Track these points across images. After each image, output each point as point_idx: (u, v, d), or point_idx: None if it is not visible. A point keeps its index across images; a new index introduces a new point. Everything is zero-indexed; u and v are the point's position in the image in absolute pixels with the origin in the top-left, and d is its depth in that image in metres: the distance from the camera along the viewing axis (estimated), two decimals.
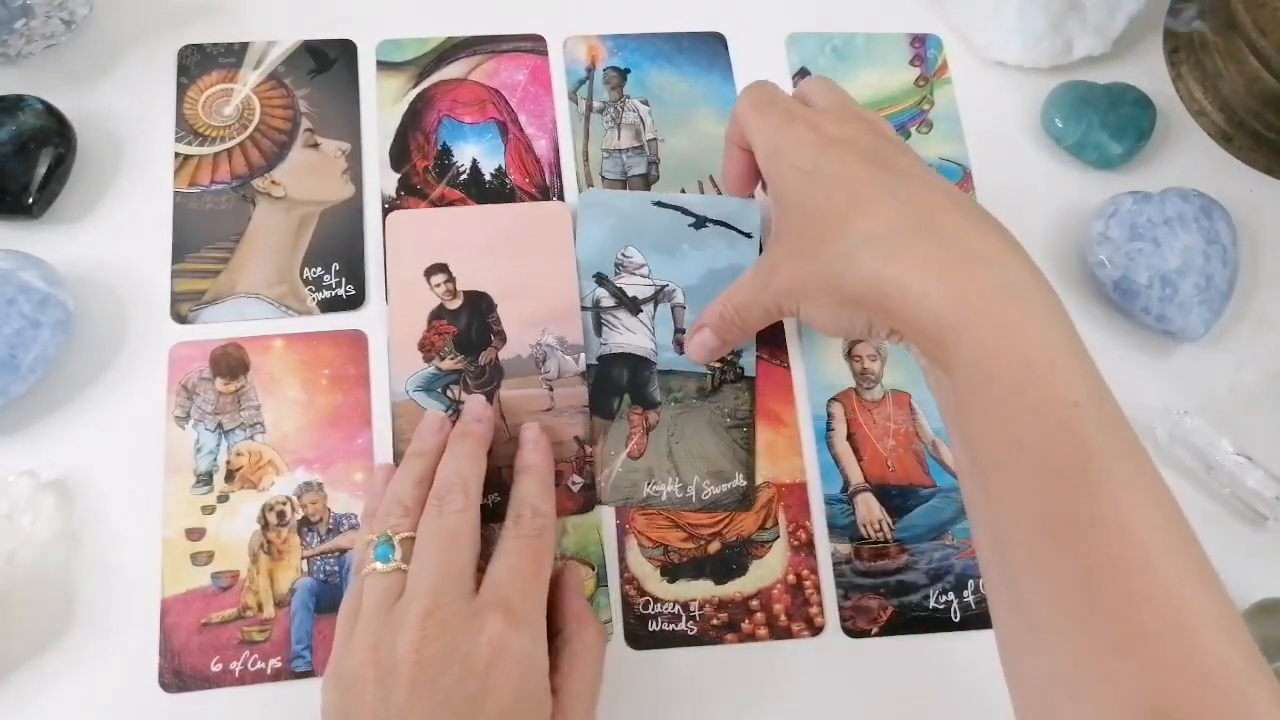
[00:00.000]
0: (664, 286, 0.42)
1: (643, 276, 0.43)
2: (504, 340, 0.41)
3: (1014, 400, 0.29)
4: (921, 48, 0.50)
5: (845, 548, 0.40)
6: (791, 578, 0.40)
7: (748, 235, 0.43)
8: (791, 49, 0.49)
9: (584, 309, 0.42)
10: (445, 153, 0.45)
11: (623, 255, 0.43)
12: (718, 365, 0.42)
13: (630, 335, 0.42)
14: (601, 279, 0.42)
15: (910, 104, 0.49)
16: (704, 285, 0.42)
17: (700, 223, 0.43)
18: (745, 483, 0.41)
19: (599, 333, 0.42)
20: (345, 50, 0.46)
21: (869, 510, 0.41)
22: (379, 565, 0.33)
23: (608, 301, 0.42)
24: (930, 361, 0.32)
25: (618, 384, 0.41)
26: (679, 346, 0.42)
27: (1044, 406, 0.28)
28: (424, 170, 0.44)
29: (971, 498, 0.32)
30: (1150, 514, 0.28)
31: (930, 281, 0.30)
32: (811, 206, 0.34)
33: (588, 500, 0.40)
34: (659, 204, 0.43)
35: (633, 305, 0.41)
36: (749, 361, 0.42)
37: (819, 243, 0.33)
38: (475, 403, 0.39)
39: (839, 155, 0.34)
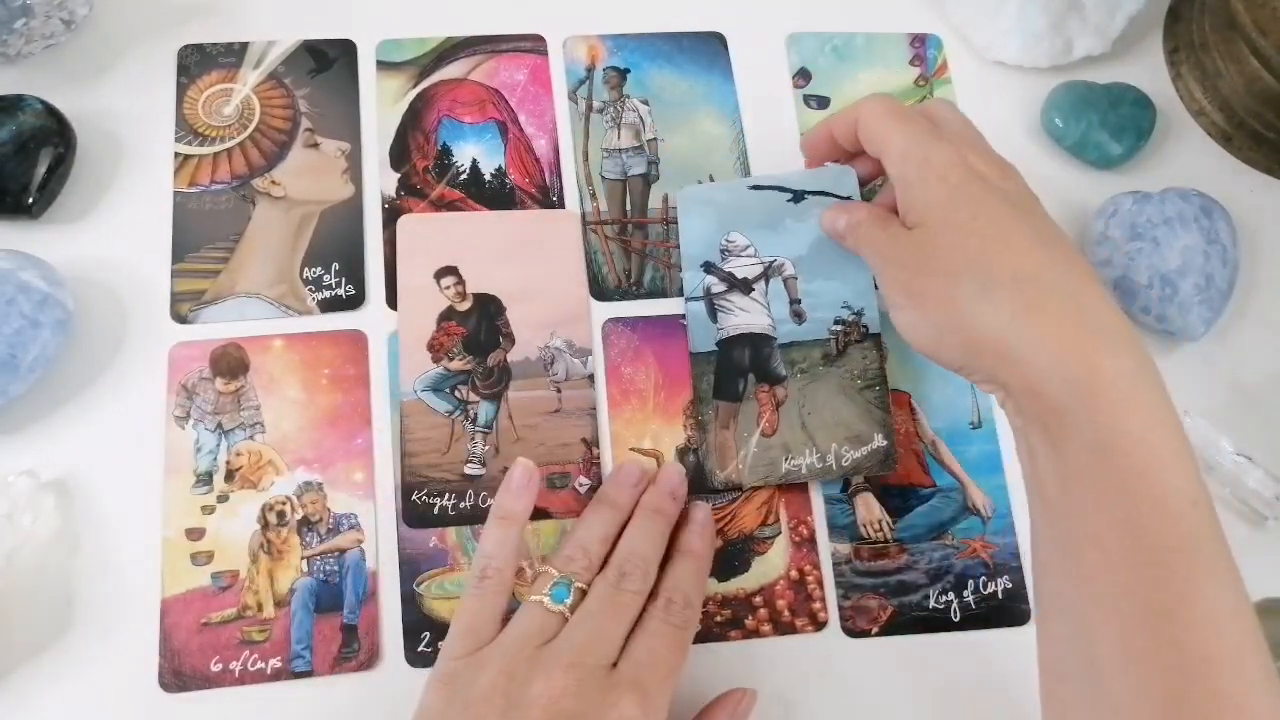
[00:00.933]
0: (772, 262, 0.42)
1: (750, 257, 0.42)
2: (512, 342, 0.42)
3: (1136, 484, 0.29)
4: (921, 47, 0.50)
5: (845, 548, 0.40)
6: (794, 573, 0.40)
7: (847, 199, 0.43)
8: (791, 49, 0.49)
9: (692, 300, 0.42)
10: (445, 152, 0.45)
11: (726, 241, 0.43)
12: (839, 328, 0.41)
13: (746, 315, 0.42)
14: (710, 267, 0.42)
15: (910, 104, 0.49)
16: (813, 254, 0.42)
17: (798, 196, 0.42)
18: (886, 443, 0.40)
19: (714, 319, 0.42)
20: (345, 50, 0.46)
21: (869, 510, 0.41)
22: (550, 602, 0.33)
23: (718, 287, 0.42)
24: (1035, 427, 0.32)
25: (740, 365, 0.41)
26: (797, 318, 0.42)
27: (1167, 497, 0.28)
28: (424, 170, 0.44)
29: (1052, 570, 0.32)
30: (1241, 621, 0.28)
31: (1066, 345, 0.30)
32: (957, 222, 0.33)
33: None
34: (755, 187, 0.43)
35: (744, 286, 0.41)
36: (873, 318, 0.41)
37: (958, 263, 0.33)
38: (675, 474, 0.39)
39: (984, 189, 0.33)
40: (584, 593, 0.34)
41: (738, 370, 0.41)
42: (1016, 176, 0.36)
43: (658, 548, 0.36)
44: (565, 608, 0.33)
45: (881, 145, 0.36)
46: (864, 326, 0.41)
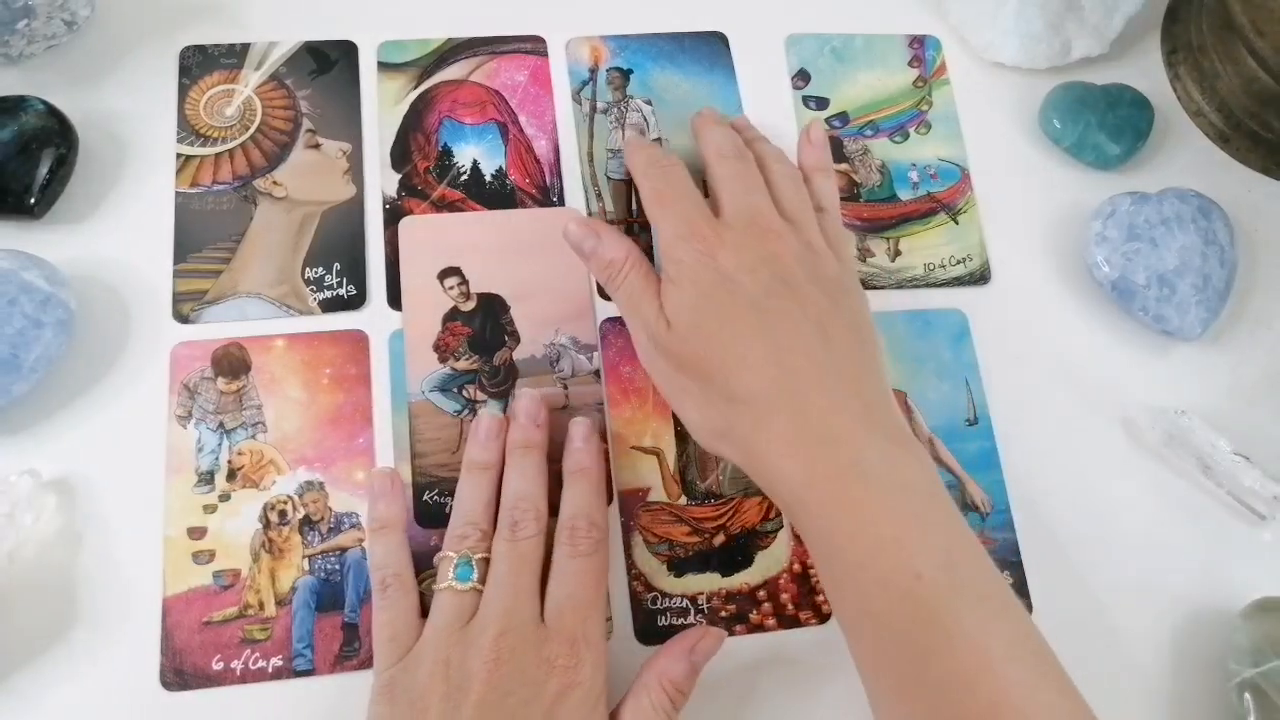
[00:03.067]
0: None
1: None
2: (518, 341, 0.42)
3: (859, 573, 0.31)
4: (920, 49, 0.50)
5: None
6: (797, 567, 0.40)
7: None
8: (790, 50, 0.49)
9: None
10: (446, 153, 0.45)
11: None
12: None
13: None
14: None
15: (909, 105, 0.49)
16: None
17: None
18: None
19: None
20: (346, 51, 0.46)
21: None
22: (457, 584, 0.34)
23: None
24: (794, 528, 0.35)
25: None
26: None
27: (888, 579, 0.31)
28: (425, 171, 0.44)
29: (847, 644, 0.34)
30: (1004, 670, 0.29)
31: (785, 458, 0.33)
32: (706, 331, 0.35)
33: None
34: None
35: None
36: None
37: (705, 372, 0.35)
38: (530, 402, 0.39)
39: (731, 297, 0.35)
40: (487, 561, 0.35)
41: None
42: (777, 255, 0.36)
43: (539, 481, 0.37)
44: (474, 583, 0.34)
45: (653, 229, 0.39)
46: None
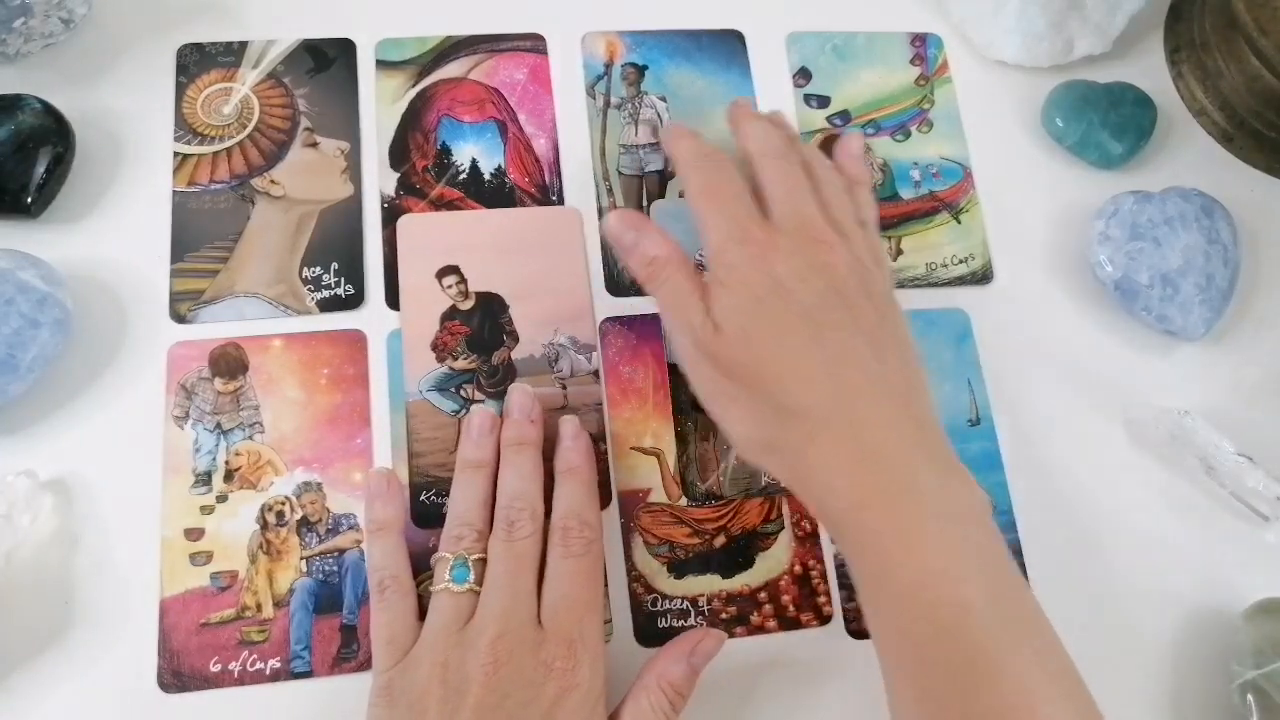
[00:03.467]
0: None
1: None
2: (516, 340, 0.42)
3: (906, 600, 0.31)
4: (922, 47, 0.50)
5: None
6: (798, 568, 0.40)
7: None
8: (791, 48, 0.49)
9: None
10: (445, 152, 0.45)
11: (701, 255, 0.42)
12: None
13: None
14: None
15: (910, 103, 0.49)
16: None
17: None
18: None
19: None
20: (344, 49, 0.46)
21: None
22: (454, 586, 0.34)
23: None
24: (837, 546, 0.34)
25: None
26: None
27: (934, 610, 0.30)
28: (423, 169, 0.44)
29: (881, 668, 0.34)
30: (1046, 711, 0.29)
31: (837, 475, 0.32)
32: (759, 339, 0.34)
33: (601, 496, 0.39)
34: None
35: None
36: None
37: (756, 380, 0.34)
38: (522, 396, 0.39)
39: (784, 305, 0.34)
40: (484, 562, 0.34)
41: None
42: (830, 265, 0.35)
43: (534, 480, 0.36)
44: (471, 584, 0.34)
45: (700, 228, 0.36)
46: None
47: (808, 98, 0.48)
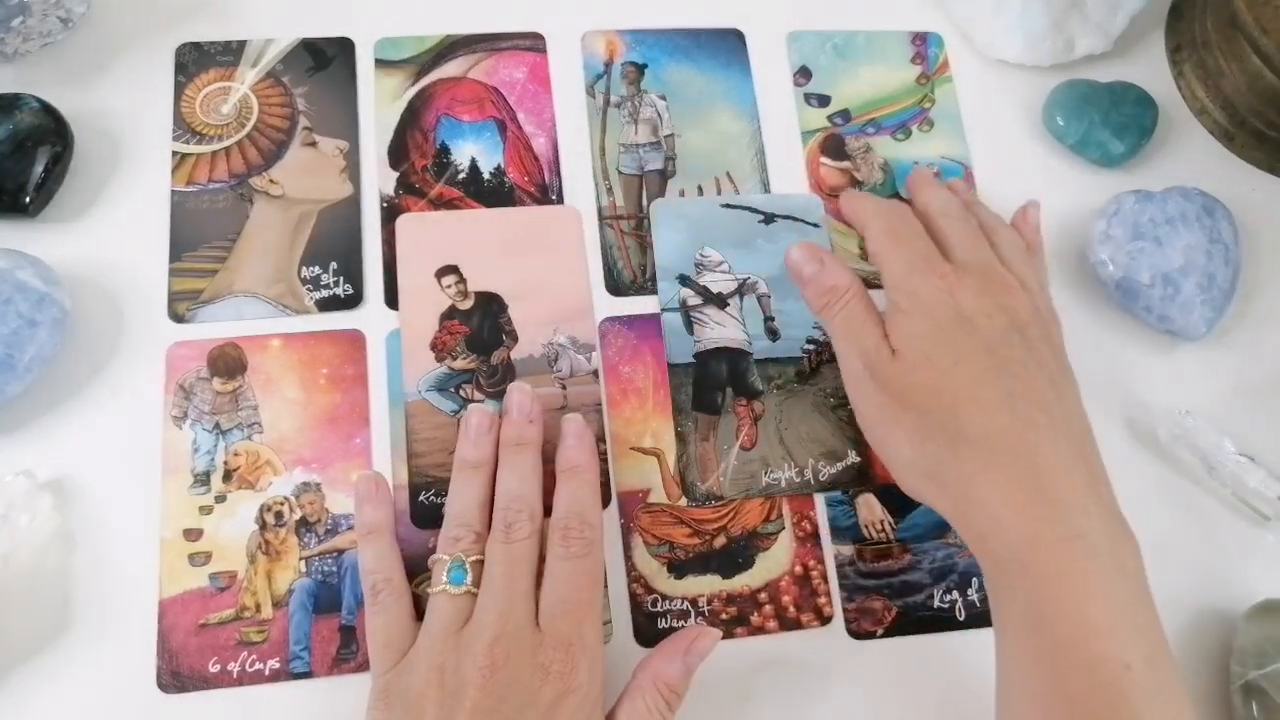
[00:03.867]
0: (746, 279, 0.43)
1: (724, 273, 0.43)
2: (516, 340, 0.41)
3: (1067, 653, 0.30)
4: (923, 46, 0.50)
5: (848, 549, 0.40)
6: (798, 569, 0.40)
7: (815, 225, 0.45)
8: (792, 47, 0.49)
9: (668, 310, 0.43)
10: (444, 151, 0.44)
11: (701, 255, 0.43)
12: (812, 347, 0.42)
13: (722, 329, 0.42)
14: (685, 280, 0.43)
15: (911, 102, 0.48)
16: (784, 275, 0.42)
17: (769, 219, 0.44)
18: (860, 459, 0.41)
19: (691, 331, 0.42)
20: (343, 48, 0.46)
21: (870, 511, 0.41)
22: (451, 588, 0.34)
23: (694, 300, 0.43)
24: (985, 573, 0.34)
25: (718, 378, 0.42)
26: (771, 335, 0.43)
27: (1095, 665, 0.30)
28: (423, 169, 0.44)
29: (1007, 708, 0.33)
30: None
31: (1009, 510, 0.32)
32: (939, 365, 0.34)
33: (601, 497, 0.39)
34: (727, 205, 0.44)
35: (719, 300, 0.42)
36: None
37: (932, 406, 0.34)
38: (522, 396, 0.39)
39: (967, 336, 0.34)
40: (482, 563, 0.34)
41: (715, 383, 0.42)
42: (1013, 307, 0.36)
43: (533, 481, 0.36)
44: (468, 586, 0.34)
45: (880, 266, 0.37)
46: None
47: (808, 97, 0.48)
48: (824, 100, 0.48)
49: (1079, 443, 0.34)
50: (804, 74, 0.48)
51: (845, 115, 0.48)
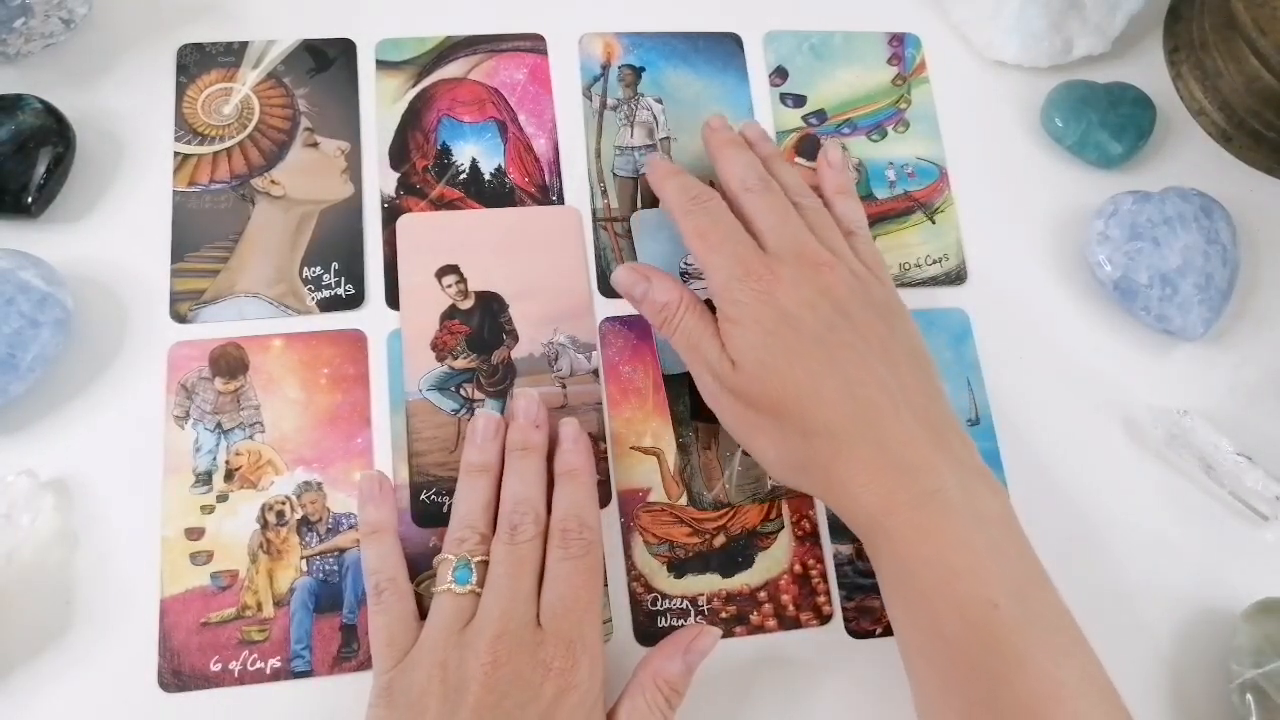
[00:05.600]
0: None
1: None
2: (516, 339, 0.42)
3: (934, 598, 0.32)
4: (899, 46, 0.50)
5: (847, 549, 0.40)
6: (798, 568, 0.40)
7: None
8: (768, 47, 0.49)
9: None
10: (445, 152, 0.45)
11: (685, 264, 0.43)
12: None
13: None
14: None
15: (887, 103, 0.48)
16: None
17: None
18: None
19: None
20: (344, 49, 0.46)
21: None
22: (456, 587, 0.34)
23: None
24: (868, 554, 0.36)
25: None
26: None
27: (961, 606, 0.31)
28: (423, 169, 0.44)
29: (904, 664, 0.35)
30: (1073, 704, 0.30)
31: (864, 487, 0.33)
32: (775, 370, 0.35)
33: (601, 496, 0.40)
34: None
35: (711, 308, 0.42)
36: None
37: (779, 408, 0.35)
38: (528, 402, 0.39)
39: (795, 333, 0.35)
40: (486, 564, 0.35)
41: None
42: (831, 287, 0.36)
43: (538, 484, 0.37)
44: (473, 586, 0.34)
45: (703, 269, 0.38)
46: None
47: (784, 97, 0.48)
48: (799, 100, 0.48)
49: (921, 407, 0.35)
50: (780, 74, 0.48)
51: (821, 115, 0.48)
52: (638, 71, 0.47)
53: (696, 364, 0.38)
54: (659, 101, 0.47)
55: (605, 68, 0.47)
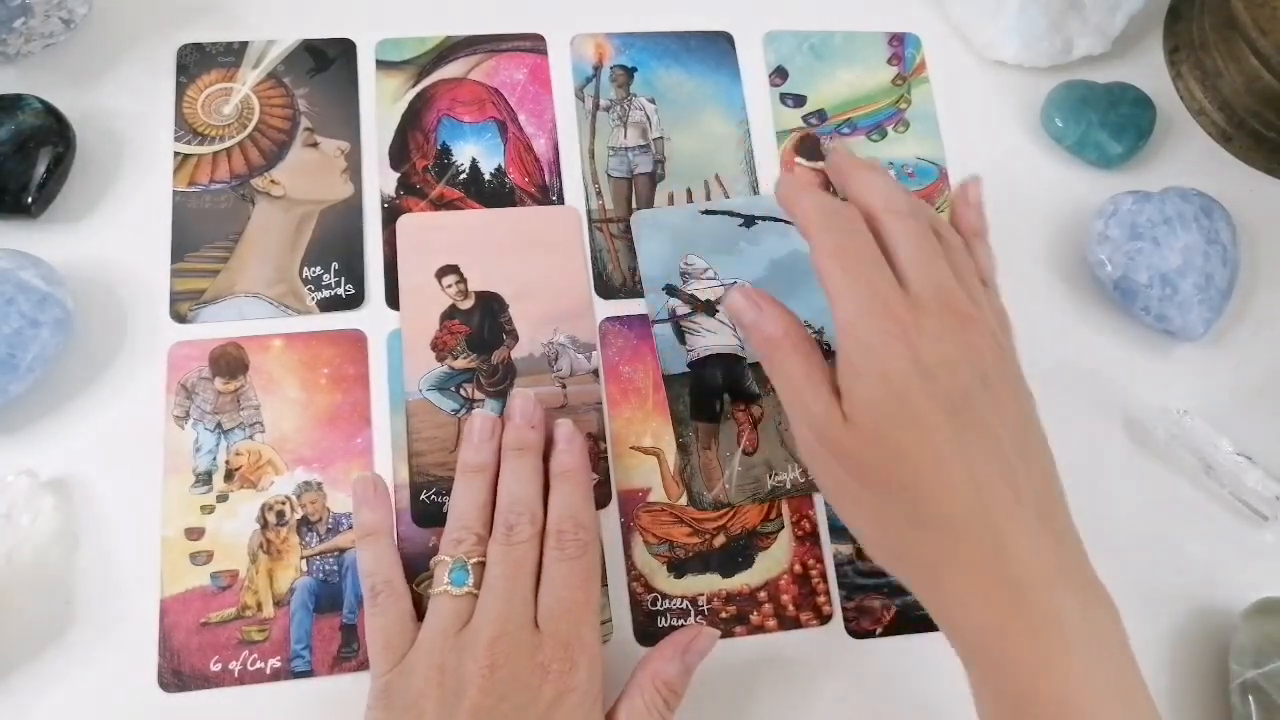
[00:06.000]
0: (733, 284, 0.43)
1: (710, 279, 0.43)
2: (516, 339, 0.42)
3: None
4: (900, 46, 0.50)
5: (847, 549, 0.40)
6: (798, 568, 0.40)
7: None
8: (768, 47, 0.49)
9: (658, 321, 0.42)
10: (445, 152, 0.45)
11: (685, 264, 0.43)
12: None
13: (714, 336, 0.42)
14: (672, 289, 0.43)
15: (887, 103, 0.48)
16: (770, 275, 0.43)
17: (749, 221, 0.44)
18: None
19: (683, 341, 0.42)
20: (344, 49, 0.46)
21: None
22: (453, 589, 0.34)
23: (683, 309, 0.43)
24: (967, 668, 0.31)
25: (715, 385, 0.42)
26: None
27: None
28: (423, 169, 0.44)
29: None
30: None
31: (975, 598, 0.30)
32: (895, 441, 0.30)
33: (601, 496, 0.40)
34: (706, 212, 0.44)
35: (708, 308, 0.42)
36: (834, 336, 0.40)
37: (891, 484, 0.31)
38: (525, 402, 0.39)
39: (927, 398, 0.30)
40: (483, 565, 0.35)
41: (712, 390, 0.42)
42: (977, 348, 0.32)
43: (534, 484, 0.37)
44: (470, 588, 0.34)
45: (827, 295, 0.32)
46: (825, 344, 0.42)
47: (784, 97, 0.48)
48: (799, 100, 0.48)
49: (1046, 510, 0.31)
50: (780, 74, 0.48)
51: (821, 115, 0.48)
52: (629, 72, 0.47)
53: (796, 411, 0.33)
54: (652, 102, 0.47)
55: (597, 69, 0.47)
